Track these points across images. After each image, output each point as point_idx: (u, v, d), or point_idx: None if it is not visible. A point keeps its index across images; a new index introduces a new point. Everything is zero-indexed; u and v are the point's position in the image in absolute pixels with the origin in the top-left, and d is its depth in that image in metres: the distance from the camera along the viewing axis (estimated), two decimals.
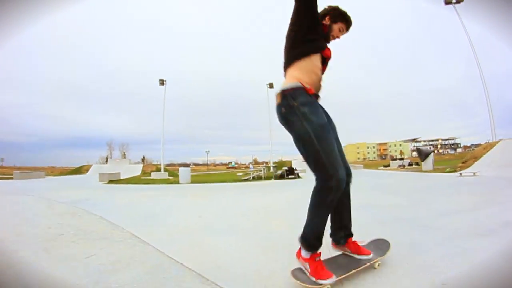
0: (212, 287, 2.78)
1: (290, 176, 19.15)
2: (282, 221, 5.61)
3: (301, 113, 2.46)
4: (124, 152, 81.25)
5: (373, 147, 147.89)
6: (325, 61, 2.76)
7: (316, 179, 2.54)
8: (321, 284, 2.39)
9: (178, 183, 18.38)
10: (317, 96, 2.73)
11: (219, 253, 3.88)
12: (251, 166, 23.90)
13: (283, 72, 2.82)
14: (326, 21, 2.87)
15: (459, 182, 10.03)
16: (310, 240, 2.60)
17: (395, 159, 28.83)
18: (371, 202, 7.15)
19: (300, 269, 2.66)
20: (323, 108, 2.78)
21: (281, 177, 19.49)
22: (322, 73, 2.79)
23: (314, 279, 2.43)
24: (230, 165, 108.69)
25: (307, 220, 2.65)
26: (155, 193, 11.86)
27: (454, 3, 22.29)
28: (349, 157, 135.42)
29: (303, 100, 2.49)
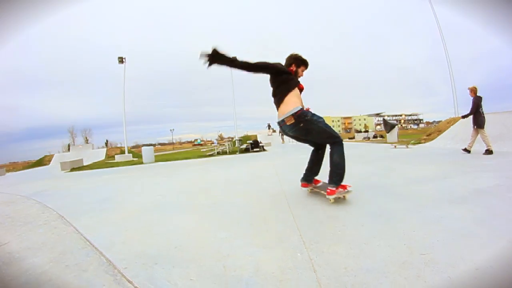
0: (117, 278, 2.47)
1: (255, 149, 18.82)
2: (244, 194, 5.37)
3: (314, 120, 4.05)
4: (86, 138, 78.32)
5: (338, 120, 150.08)
6: (300, 91, 4.31)
7: (334, 144, 4.16)
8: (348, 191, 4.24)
9: (142, 163, 17.74)
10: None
11: (177, 233, 3.52)
12: (215, 141, 23.49)
13: (276, 102, 4.31)
14: (293, 67, 4.36)
15: (426, 153, 10.11)
16: (343, 175, 4.12)
17: (360, 132, 29.05)
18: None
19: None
20: None
21: (246, 150, 19.09)
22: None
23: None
24: (196, 143, 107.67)
25: (336, 166, 4.10)
26: (117, 176, 11.12)
27: None
28: None
29: (309, 114, 4.07)
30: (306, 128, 4.02)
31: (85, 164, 21.65)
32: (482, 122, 8.81)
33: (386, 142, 17.65)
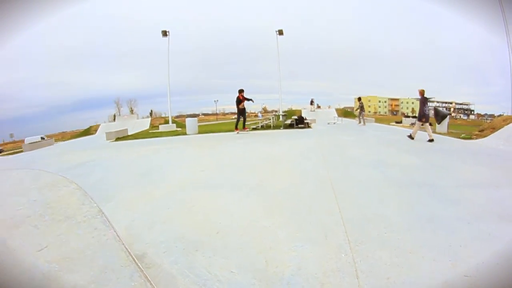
0: None
1: (299, 126, 18.38)
2: (289, 175, 5.30)
3: None
4: (132, 108, 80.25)
5: (385, 101, 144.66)
6: None
7: None
8: None
9: (185, 134, 17.87)
10: None
11: (219, 216, 3.54)
12: (259, 114, 22.85)
13: None
14: None
15: (477, 151, 9.38)
16: None
17: (408, 117, 27.97)
18: (385, 160, 6.78)
19: None
20: None
21: (290, 126, 18.67)
22: None
23: None
24: None
25: None
26: (160, 147, 11.27)
27: None
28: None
29: None
30: None
31: (129, 133, 22.02)
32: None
33: (434, 132, 16.86)
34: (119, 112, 79.90)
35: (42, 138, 27.12)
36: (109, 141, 17.63)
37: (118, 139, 18.16)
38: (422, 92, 11.37)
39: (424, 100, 11.20)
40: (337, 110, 47.48)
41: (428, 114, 11.14)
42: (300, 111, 40.38)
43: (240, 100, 15.68)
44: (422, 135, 12.40)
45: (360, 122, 21.43)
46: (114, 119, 48.75)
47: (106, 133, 19.24)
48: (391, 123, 27.81)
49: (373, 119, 28.38)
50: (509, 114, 18.27)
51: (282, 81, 32.69)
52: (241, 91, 15.75)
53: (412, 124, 26.88)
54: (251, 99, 16.95)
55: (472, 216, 3.44)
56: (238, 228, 3.10)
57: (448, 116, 17.28)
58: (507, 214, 3.56)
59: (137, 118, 42.14)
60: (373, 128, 18.06)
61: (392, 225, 3.17)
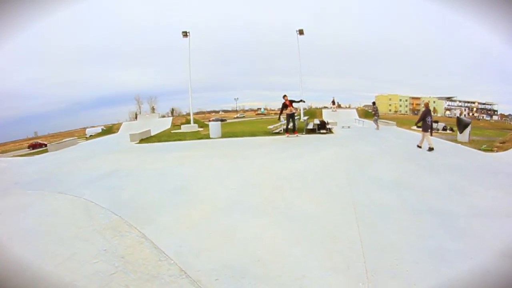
0: None
1: (322, 131, 18.44)
2: (315, 199, 5.62)
3: None
4: (153, 106, 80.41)
5: (406, 100, 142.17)
6: None
7: None
8: None
9: (208, 137, 18.04)
10: None
11: (257, 243, 4.06)
12: (282, 119, 22.94)
13: None
14: None
15: (496, 168, 9.36)
16: None
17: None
18: (404, 180, 7.16)
19: None
20: None
21: (312, 131, 18.64)
22: None
23: None
24: (259, 111, 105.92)
25: None
26: (185, 154, 11.62)
27: None
28: (381, 108, 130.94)
29: None
30: None
31: (152, 134, 22.60)
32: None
33: (456, 141, 17.00)
34: (140, 110, 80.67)
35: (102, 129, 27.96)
36: (133, 142, 18.18)
37: (141, 140, 18.74)
38: (426, 105, 13.16)
39: (427, 112, 12.56)
40: (357, 109, 47.19)
41: (431, 124, 12.55)
42: (321, 111, 40.26)
43: (286, 105, 15.93)
44: (439, 144, 12.68)
45: (377, 128, 21.72)
46: (136, 118, 49.35)
47: (130, 135, 19.72)
48: (412, 127, 27.67)
49: (394, 122, 28.18)
50: None
51: (302, 77, 32.54)
52: (285, 96, 15.91)
53: (434, 129, 26.89)
54: (301, 100, 18.33)
55: (479, 253, 3.74)
56: (275, 256, 3.60)
57: (469, 125, 17.36)
58: (508, 249, 3.83)
59: (159, 117, 42.38)
60: (395, 134, 18.02)
61: (403, 257, 3.65)
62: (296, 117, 16.75)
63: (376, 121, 22.40)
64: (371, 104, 24.84)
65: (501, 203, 5.75)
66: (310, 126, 19.36)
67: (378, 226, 4.57)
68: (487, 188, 6.90)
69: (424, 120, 12.47)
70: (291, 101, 15.90)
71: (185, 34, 29.93)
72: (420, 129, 13.04)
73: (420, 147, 12.73)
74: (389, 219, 4.82)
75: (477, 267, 3.43)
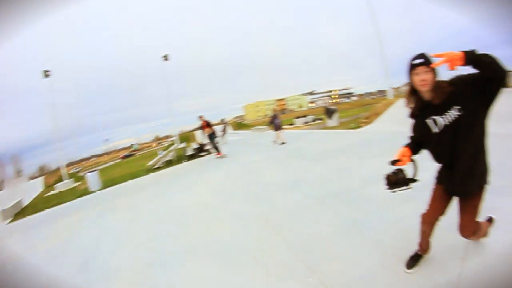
0: None
1: (201, 154, 18.05)
2: (227, 229, 5.17)
3: None
4: (18, 170, 68.87)
5: (272, 103, 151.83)
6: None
7: None
8: None
9: (88, 192, 15.39)
10: None
11: None
12: (160, 152, 20.93)
13: None
14: None
15: (370, 140, 10.72)
16: None
17: (299, 117, 29.81)
18: (299, 176, 7.45)
19: None
20: None
21: (191, 156, 18.04)
22: None
23: None
24: (132, 149, 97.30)
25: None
26: (71, 221, 8.94)
27: None
28: (249, 116, 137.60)
29: None
30: None
31: (25, 203, 18.40)
32: None
33: (326, 128, 18.46)
34: (4, 175, 69.24)
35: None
36: (6, 221, 13.35)
37: (16, 216, 14.01)
38: (274, 110, 17.28)
39: (275, 116, 16.26)
40: (230, 123, 48.43)
41: (279, 124, 16.04)
42: (194, 133, 40.20)
43: (204, 127, 15.53)
44: (317, 134, 13.36)
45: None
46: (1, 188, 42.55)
47: (1, 212, 14.45)
48: (284, 127, 29.12)
49: (266, 127, 29.48)
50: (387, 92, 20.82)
51: (171, 104, 31.40)
52: (201, 117, 15.50)
53: (306, 122, 28.94)
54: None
55: (384, 212, 4.30)
56: None
57: (336, 111, 19.15)
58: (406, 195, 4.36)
59: (28, 180, 37.18)
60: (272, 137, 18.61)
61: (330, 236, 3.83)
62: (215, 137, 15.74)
63: (222, 137, 23.11)
64: (221, 121, 25.75)
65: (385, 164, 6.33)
66: (190, 152, 19.01)
67: (295, 224, 4.65)
68: (364, 156, 8.04)
69: (273, 122, 16.17)
70: (208, 122, 15.41)
71: (46, 74, 25.42)
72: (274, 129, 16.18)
73: (278, 142, 15.72)
74: (301, 215, 4.95)
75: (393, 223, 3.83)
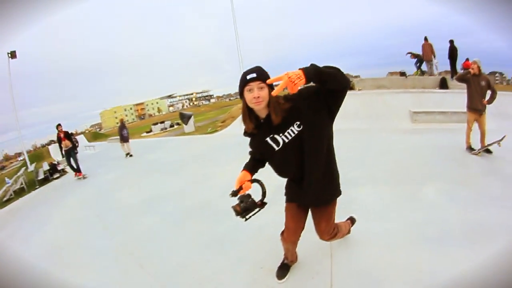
0: None
1: (55, 176, 14.44)
2: None
3: None
4: None
5: (130, 108, 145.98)
6: None
7: None
8: None
9: None
10: None
11: None
12: (7, 180, 17.04)
13: None
14: None
15: (225, 144, 10.89)
16: None
17: (156, 123, 28.98)
18: (156, 194, 6.99)
19: None
20: None
21: (45, 180, 13.85)
22: None
23: None
24: None
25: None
26: None
27: None
28: (108, 123, 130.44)
29: None
30: None
31: None
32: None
33: (183, 134, 18.29)
34: None
35: None
36: None
37: None
38: (121, 120, 15.62)
39: (123, 126, 14.99)
40: (85, 133, 44.78)
41: (127, 136, 14.94)
42: (47, 148, 36.21)
43: (60, 139, 11.79)
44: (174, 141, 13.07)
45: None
46: None
47: None
48: (142, 135, 28.26)
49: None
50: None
51: (18, 113, 25.93)
52: (58, 126, 11.74)
53: (163, 129, 28.30)
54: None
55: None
56: None
57: (192, 116, 19.06)
58: None
59: None
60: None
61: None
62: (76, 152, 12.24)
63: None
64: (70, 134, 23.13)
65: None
66: (42, 175, 15.05)
67: (155, 250, 4.28)
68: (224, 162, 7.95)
69: (121, 133, 14.89)
70: (66, 133, 11.83)
71: None
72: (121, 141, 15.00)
73: (131, 155, 14.56)
74: (160, 238, 4.63)
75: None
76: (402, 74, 17.39)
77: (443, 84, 14.46)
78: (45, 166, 17.05)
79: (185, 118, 19.06)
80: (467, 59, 17.73)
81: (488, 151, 6.46)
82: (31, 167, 19.99)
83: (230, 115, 16.78)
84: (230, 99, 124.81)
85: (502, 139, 6.26)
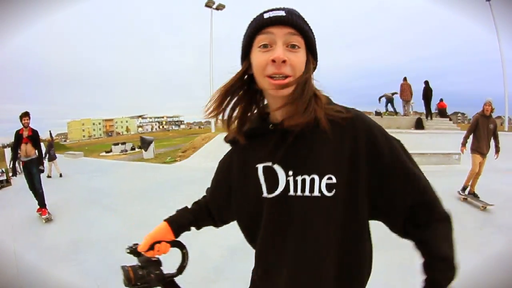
0: None
1: None
2: None
3: None
4: None
5: (99, 123, 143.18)
6: None
7: None
8: None
9: None
10: None
11: None
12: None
13: None
14: None
15: (178, 179, 10.18)
16: None
17: (117, 144, 27.63)
18: (88, 237, 5.84)
19: None
20: None
21: None
22: None
23: None
24: None
25: None
26: None
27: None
28: (74, 134, 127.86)
29: None
30: None
31: None
32: None
33: (141, 159, 17.37)
34: None
35: None
36: None
37: None
38: (49, 141, 14.82)
39: (51, 145, 14.23)
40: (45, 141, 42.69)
41: (54, 154, 13.97)
42: (3, 151, 34.23)
43: (20, 138, 7.15)
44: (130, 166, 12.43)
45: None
46: None
47: None
48: (101, 154, 27.01)
49: (82, 152, 26.81)
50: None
51: None
52: (24, 117, 7.05)
53: (123, 151, 27.07)
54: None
55: None
56: None
57: (152, 142, 18.27)
58: None
59: None
60: (83, 169, 16.12)
61: None
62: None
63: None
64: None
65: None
66: None
67: None
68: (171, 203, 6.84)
69: (49, 152, 13.68)
70: (34, 135, 7.27)
71: None
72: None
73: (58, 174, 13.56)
74: None
75: None
76: (378, 113, 17.38)
77: (419, 124, 14.39)
78: None
79: (145, 143, 18.27)
80: (441, 100, 18.04)
81: (475, 195, 6.23)
82: None
83: (192, 145, 16.11)
84: (200, 127, 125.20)
85: (489, 205, 5.87)
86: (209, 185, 1.40)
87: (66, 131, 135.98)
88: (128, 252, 1.24)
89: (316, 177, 0.91)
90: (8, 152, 30.23)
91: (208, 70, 23.70)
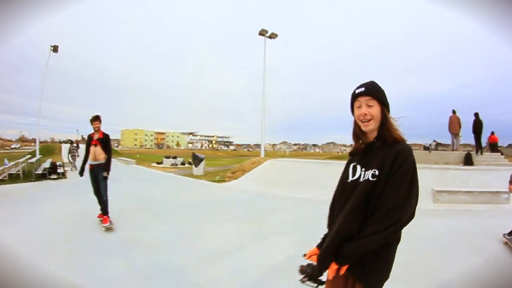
0: None
1: (52, 176, 14.51)
2: None
3: None
4: None
5: (151, 135, 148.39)
6: None
7: None
8: None
9: None
10: None
11: None
12: (6, 161, 16.46)
13: None
14: None
15: (226, 199, 10.20)
16: None
17: (169, 157, 28.34)
18: (135, 236, 6.11)
19: None
20: None
21: (42, 176, 14.46)
22: None
23: None
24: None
25: None
26: None
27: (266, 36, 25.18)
28: (126, 142, 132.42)
29: None
30: None
31: None
32: None
33: (191, 175, 17.65)
34: None
35: None
36: None
37: None
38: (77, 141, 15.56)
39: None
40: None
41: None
42: (60, 146, 36.06)
43: (90, 140, 7.03)
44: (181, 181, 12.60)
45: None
46: None
47: None
48: (152, 164, 27.76)
49: (134, 160, 27.89)
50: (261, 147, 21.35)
51: (43, 102, 25.71)
52: (95, 121, 6.87)
53: (173, 164, 27.72)
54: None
55: None
56: None
57: (203, 160, 18.49)
58: None
59: None
60: (135, 174, 16.97)
61: None
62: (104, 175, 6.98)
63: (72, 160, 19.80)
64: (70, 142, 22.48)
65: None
66: (40, 171, 15.22)
67: None
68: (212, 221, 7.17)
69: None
70: (105, 138, 7.04)
71: None
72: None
73: None
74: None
75: None
76: (426, 148, 16.90)
77: (468, 160, 13.56)
78: (47, 164, 16.71)
79: (196, 160, 18.50)
80: (493, 133, 16.88)
81: None
82: (36, 158, 19.68)
83: (241, 168, 16.16)
84: (249, 150, 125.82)
85: None
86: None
87: (119, 138, 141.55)
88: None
89: (370, 171, 1.74)
90: (65, 148, 31.82)
91: (261, 96, 23.72)
